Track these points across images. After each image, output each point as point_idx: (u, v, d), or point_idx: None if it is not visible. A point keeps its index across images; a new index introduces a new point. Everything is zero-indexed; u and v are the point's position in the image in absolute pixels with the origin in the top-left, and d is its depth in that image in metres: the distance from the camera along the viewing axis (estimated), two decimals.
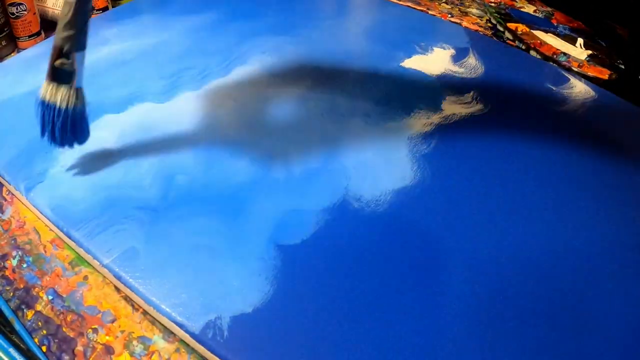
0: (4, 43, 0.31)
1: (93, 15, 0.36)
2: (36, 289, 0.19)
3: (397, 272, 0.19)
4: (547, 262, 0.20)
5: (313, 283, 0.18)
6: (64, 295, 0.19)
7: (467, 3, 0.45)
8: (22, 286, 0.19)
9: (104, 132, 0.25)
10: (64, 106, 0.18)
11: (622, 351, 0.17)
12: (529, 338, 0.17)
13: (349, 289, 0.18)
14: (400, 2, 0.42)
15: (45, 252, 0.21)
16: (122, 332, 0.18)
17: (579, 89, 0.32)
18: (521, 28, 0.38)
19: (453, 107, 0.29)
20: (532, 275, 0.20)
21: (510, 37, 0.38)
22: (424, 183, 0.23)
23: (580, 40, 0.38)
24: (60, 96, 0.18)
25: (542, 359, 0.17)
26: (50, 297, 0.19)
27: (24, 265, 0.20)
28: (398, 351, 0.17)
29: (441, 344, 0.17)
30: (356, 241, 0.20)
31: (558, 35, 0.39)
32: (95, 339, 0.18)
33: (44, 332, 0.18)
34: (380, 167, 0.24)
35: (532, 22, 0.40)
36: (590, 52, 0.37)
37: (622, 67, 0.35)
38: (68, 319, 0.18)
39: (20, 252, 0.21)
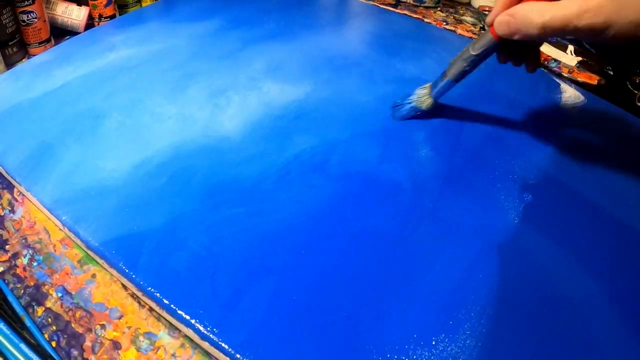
0: (15, 49, 0.32)
1: (101, 23, 0.37)
2: (46, 287, 0.20)
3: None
4: (542, 262, 0.21)
5: (322, 286, 0.19)
6: (73, 293, 0.20)
7: (461, 11, 0.46)
8: (32, 284, 0.20)
9: (111, 134, 0.25)
10: (415, 102, 0.27)
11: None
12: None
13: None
14: (397, 10, 0.44)
15: (55, 251, 0.21)
16: (129, 328, 0.19)
17: (569, 94, 0.33)
18: None
19: (446, 110, 0.30)
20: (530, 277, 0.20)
21: None
22: (420, 179, 0.24)
23: (570, 47, 0.39)
24: (421, 93, 0.26)
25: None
26: (59, 295, 0.19)
27: (35, 264, 0.21)
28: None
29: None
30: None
31: (549, 42, 0.40)
32: (103, 335, 0.18)
33: (54, 328, 0.18)
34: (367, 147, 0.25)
35: None
36: (580, 58, 0.38)
37: (611, 73, 0.36)
38: (77, 315, 0.19)
39: (30, 251, 0.21)
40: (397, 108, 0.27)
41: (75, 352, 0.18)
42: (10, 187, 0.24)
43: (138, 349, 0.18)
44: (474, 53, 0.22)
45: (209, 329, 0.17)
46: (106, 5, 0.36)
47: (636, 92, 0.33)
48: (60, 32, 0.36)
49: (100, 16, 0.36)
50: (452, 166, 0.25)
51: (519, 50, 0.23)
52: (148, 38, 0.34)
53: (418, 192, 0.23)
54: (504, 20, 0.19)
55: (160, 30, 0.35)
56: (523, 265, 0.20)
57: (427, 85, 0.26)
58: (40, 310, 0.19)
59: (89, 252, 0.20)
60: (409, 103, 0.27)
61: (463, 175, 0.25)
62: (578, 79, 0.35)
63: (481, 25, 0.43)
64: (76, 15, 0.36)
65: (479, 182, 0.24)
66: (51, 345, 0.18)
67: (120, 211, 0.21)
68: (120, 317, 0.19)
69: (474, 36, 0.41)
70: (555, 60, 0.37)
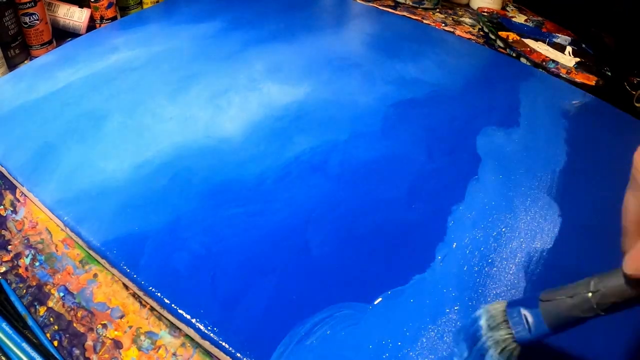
0: (17, 51, 0.32)
1: (102, 25, 0.37)
2: (48, 286, 0.20)
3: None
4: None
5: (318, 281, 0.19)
6: (75, 292, 0.20)
7: (460, 12, 0.46)
8: (34, 284, 0.20)
9: (113, 135, 0.26)
10: (491, 347, 0.15)
11: None
12: None
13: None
14: (396, 12, 0.44)
15: (57, 251, 0.21)
16: (130, 327, 0.19)
17: (567, 94, 0.33)
18: (512, 36, 0.40)
19: (445, 113, 0.30)
20: None
21: (501, 45, 0.40)
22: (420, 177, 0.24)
23: (569, 48, 0.40)
24: (498, 336, 0.15)
25: None
26: (61, 294, 0.20)
27: (37, 264, 0.21)
28: None
29: None
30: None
31: (548, 43, 0.40)
32: (104, 334, 0.18)
33: (56, 327, 0.19)
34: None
35: (522, 30, 0.42)
36: (578, 59, 0.38)
37: (609, 74, 0.36)
38: (78, 315, 0.19)
39: (32, 251, 0.21)
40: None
41: (77, 352, 0.18)
42: (12, 188, 0.24)
43: (139, 348, 0.18)
44: (600, 311, 0.13)
45: (209, 328, 0.17)
46: (107, 7, 0.36)
47: (634, 92, 0.34)
48: (62, 34, 0.36)
49: (102, 18, 0.37)
50: (452, 168, 0.26)
51: None
52: (149, 40, 0.34)
53: (418, 194, 0.23)
54: None
55: (162, 32, 0.35)
56: (527, 270, 0.21)
57: (495, 316, 0.15)
58: (42, 310, 0.19)
59: (91, 252, 0.21)
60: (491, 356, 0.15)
61: (462, 177, 0.25)
62: (576, 79, 0.35)
63: (480, 27, 0.43)
64: (78, 17, 0.36)
65: (478, 184, 0.25)
66: (53, 344, 0.18)
67: (122, 211, 0.21)
68: (121, 317, 0.19)
69: (472, 37, 0.41)
70: (554, 61, 0.37)
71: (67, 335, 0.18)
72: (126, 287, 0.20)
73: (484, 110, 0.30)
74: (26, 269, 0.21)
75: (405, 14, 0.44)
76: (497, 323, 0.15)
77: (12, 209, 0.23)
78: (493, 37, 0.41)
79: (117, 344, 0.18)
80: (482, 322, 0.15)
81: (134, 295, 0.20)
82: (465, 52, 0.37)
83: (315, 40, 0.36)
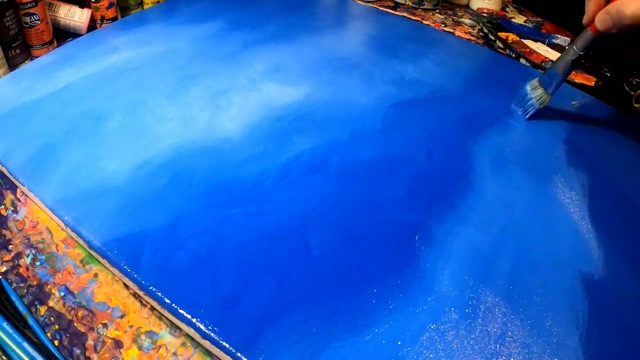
0: (18, 51, 0.32)
1: (103, 25, 0.37)
2: (49, 286, 0.20)
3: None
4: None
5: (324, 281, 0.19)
6: (75, 292, 0.20)
7: (459, 13, 0.47)
8: (35, 283, 0.20)
9: (113, 135, 0.26)
10: (537, 102, 0.29)
11: None
12: None
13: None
14: (396, 13, 0.44)
15: (57, 250, 0.21)
16: (131, 327, 0.19)
17: (566, 95, 0.33)
18: (512, 37, 0.40)
19: (446, 114, 0.30)
20: None
21: (501, 45, 0.40)
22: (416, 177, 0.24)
23: None
24: (538, 93, 0.29)
25: None
26: (62, 294, 0.20)
27: (37, 263, 0.21)
28: None
29: None
30: None
31: (547, 44, 0.40)
32: (105, 334, 0.18)
33: (56, 327, 0.19)
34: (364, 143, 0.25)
35: (522, 31, 0.42)
36: None
37: (608, 74, 0.36)
38: (79, 314, 0.19)
39: (33, 251, 0.21)
40: (524, 109, 0.30)
41: (77, 351, 0.18)
42: (13, 188, 0.24)
43: (140, 348, 0.18)
44: (580, 52, 0.26)
45: (209, 327, 0.17)
46: (108, 8, 0.36)
47: (632, 93, 0.34)
48: (62, 34, 0.36)
49: (103, 18, 0.37)
50: (452, 168, 0.26)
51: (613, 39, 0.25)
52: (150, 40, 0.34)
53: (418, 194, 0.23)
54: (602, 18, 0.23)
55: (162, 32, 0.35)
56: (526, 270, 0.21)
57: (534, 83, 0.29)
58: (42, 310, 0.19)
59: (91, 252, 0.21)
60: (533, 105, 0.29)
61: (461, 177, 0.25)
62: (575, 80, 0.35)
63: (479, 28, 0.43)
64: (78, 18, 0.36)
65: (476, 184, 0.25)
66: (54, 344, 0.18)
67: (122, 211, 0.21)
68: (122, 316, 0.19)
69: (472, 38, 0.42)
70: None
71: (68, 335, 0.18)
72: (127, 286, 0.20)
73: (483, 110, 0.31)
74: (27, 268, 0.21)
75: (405, 14, 0.44)
76: (535, 86, 0.29)
77: (12, 209, 0.23)
78: (492, 37, 0.41)
79: (118, 344, 0.18)
80: (527, 87, 0.30)
81: (134, 294, 0.20)
82: (465, 53, 0.37)
83: (315, 41, 0.36)
